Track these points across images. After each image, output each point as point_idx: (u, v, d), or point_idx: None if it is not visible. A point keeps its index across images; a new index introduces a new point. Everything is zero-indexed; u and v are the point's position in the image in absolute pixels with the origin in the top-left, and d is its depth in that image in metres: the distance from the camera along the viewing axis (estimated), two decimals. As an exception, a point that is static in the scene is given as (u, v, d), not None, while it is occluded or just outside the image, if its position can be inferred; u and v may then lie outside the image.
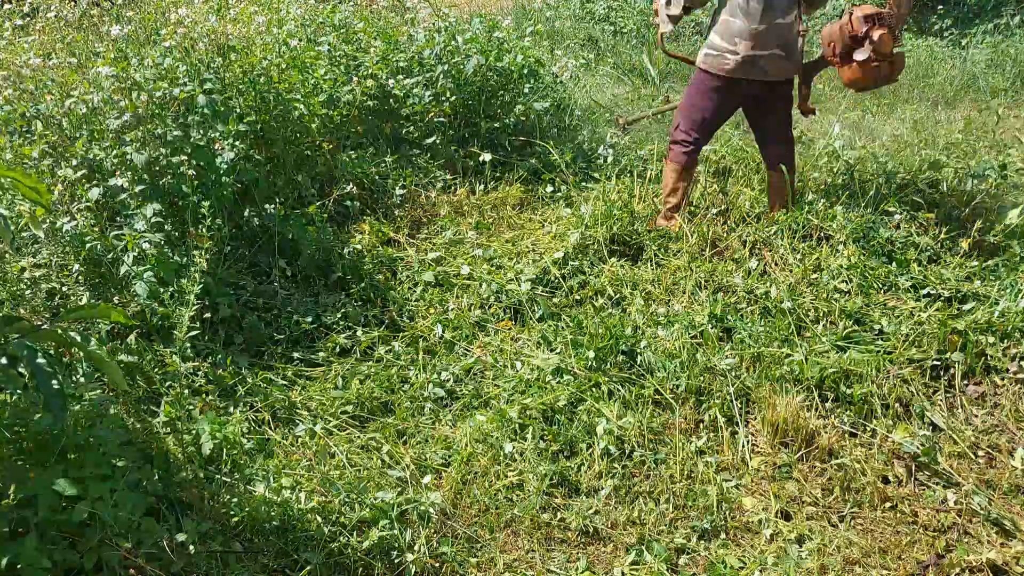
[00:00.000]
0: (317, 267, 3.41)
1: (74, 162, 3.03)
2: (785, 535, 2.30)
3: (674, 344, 2.95)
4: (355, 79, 4.17)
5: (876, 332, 3.04)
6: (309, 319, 3.12)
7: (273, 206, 3.37)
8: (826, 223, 3.66)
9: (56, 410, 1.57)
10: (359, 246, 3.55)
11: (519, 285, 3.33)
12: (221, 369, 2.77)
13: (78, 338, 1.66)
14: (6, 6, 4.26)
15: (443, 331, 3.12)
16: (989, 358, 2.91)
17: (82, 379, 2.39)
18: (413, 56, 4.47)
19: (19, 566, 1.72)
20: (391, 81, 4.31)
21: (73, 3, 4.05)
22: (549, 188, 4.17)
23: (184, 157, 3.02)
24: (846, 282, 3.30)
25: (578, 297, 3.32)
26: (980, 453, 2.61)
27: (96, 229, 2.90)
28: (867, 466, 2.50)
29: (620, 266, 3.51)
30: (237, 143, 3.20)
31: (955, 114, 6.09)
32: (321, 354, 3.01)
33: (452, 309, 3.24)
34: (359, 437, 2.62)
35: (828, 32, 3.50)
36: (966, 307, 3.12)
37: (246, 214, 3.37)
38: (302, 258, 3.38)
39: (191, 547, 1.98)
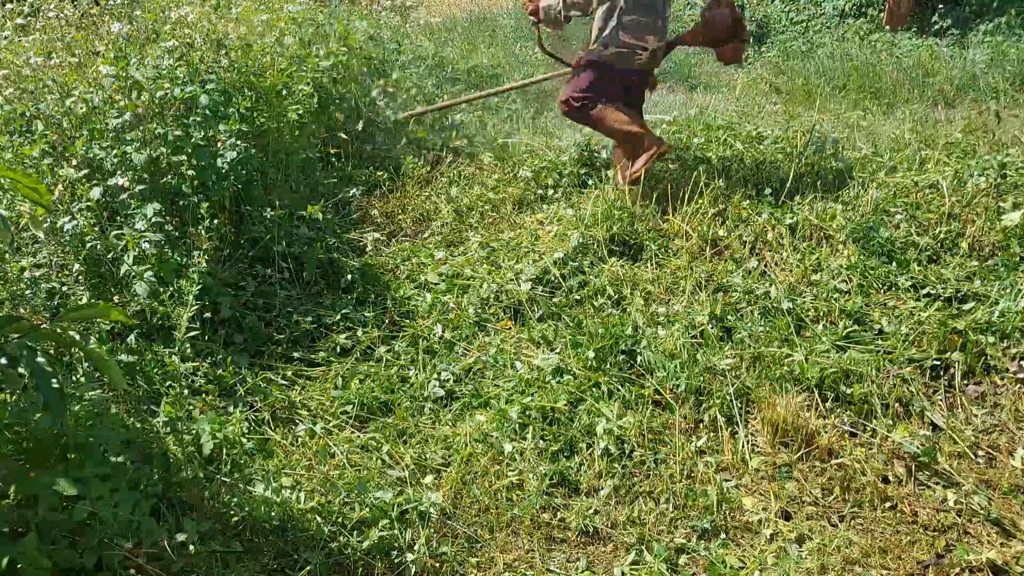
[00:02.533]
0: (324, 275, 3.42)
1: (74, 161, 3.03)
2: (785, 535, 2.30)
3: (674, 344, 2.95)
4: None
5: (876, 332, 3.04)
6: (309, 319, 3.12)
7: (270, 211, 3.35)
8: (826, 223, 3.66)
9: (56, 410, 1.57)
10: (366, 250, 3.55)
11: (519, 285, 3.33)
12: (221, 369, 2.77)
13: (78, 338, 1.65)
14: (7, 6, 4.26)
15: (443, 331, 3.12)
16: (989, 358, 2.91)
17: (82, 379, 2.39)
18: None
19: (19, 566, 1.72)
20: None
21: (73, 3, 4.05)
22: (549, 192, 4.17)
23: (184, 157, 3.02)
24: (846, 282, 3.30)
25: (578, 297, 3.32)
26: (980, 453, 2.61)
27: (96, 229, 2.90)
28: (867, 466, 2.50)
29: (620, 266, 3.51)
30: (238, 142, 3.20)
31: (955, 114, 6.09)
32: (321, 354, 3.01)
33: (452, 309, 3.24)
34: (359, 437, 2.62)
35: (712, 19, 3.88)
36: (966, 307, 3.12)
37: (244, 211, 3.37)
38: (307, 268, 3.37)
39: (191, 547, 1.98)
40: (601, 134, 4.10)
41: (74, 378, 2.39)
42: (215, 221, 3.09)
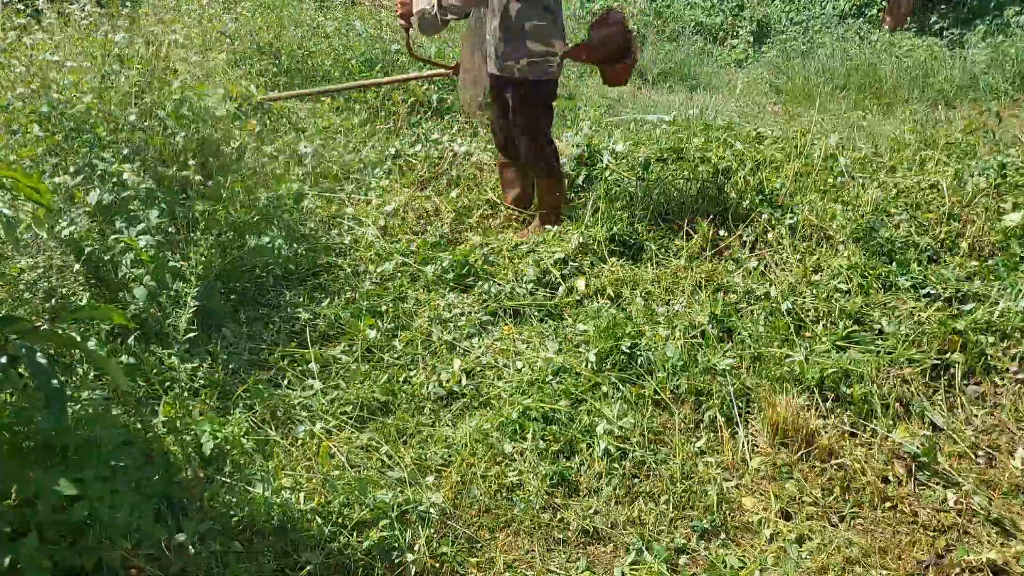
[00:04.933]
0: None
1: (72, 169, 3.02)
2: (785, 535, 2.30)
3: (674, 344, 2.95)
4: None
5: (876, 332, 3.04)
6: (308, 316, 3.12)
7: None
8: (826, 223, 3.67)
9: (56, 409, 1.57)
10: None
11: (519, 286, 3.32)
12: (221, 370, 2.77)
13: (78, 338, 1.65)
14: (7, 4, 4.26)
15: (443, 331, 3.11)
16: (989, 358, 2.91)
17: (82, 380, 2.38)
18: None
19: (19, 566, 1.72)
20: None
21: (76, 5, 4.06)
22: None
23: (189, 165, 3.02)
24: (846, 282, 3.30)
25: (578, 297, 3.32)
26: (980, 453, 2.61)
27: (95, 232, 2.89)
28: (867, 466, 2.50)
29: (620, 266, 3.51)
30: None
31: (955, 114, 6.09)
32: (321, 355, 3.00)
33: (453, 309, 3.24)
34: (359, 438, 2.61)
35: (605, 37, 3.55)
36: (966, 307, 3.12)
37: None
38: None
39: (191, 547, 1.98)
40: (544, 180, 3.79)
41: (74, 379, 2.38)
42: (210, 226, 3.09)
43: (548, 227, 3.77)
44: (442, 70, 4.59)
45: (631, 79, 7.17)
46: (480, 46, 3.83)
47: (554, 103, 3.70)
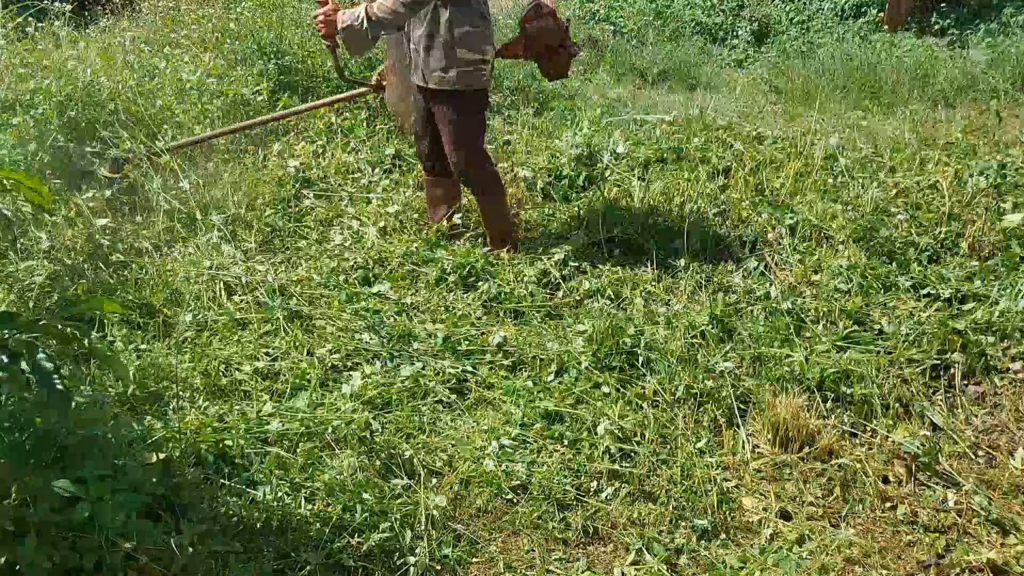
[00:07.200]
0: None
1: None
2: (785, 535, 2.30)
3: (675, 344, 2.95)
4: None
5: (876, 332, 3.04)
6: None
7: None
8: (826, 223, 3.67)
9: (57, 407, 1.56)
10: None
11: (520, 286, 3.32)
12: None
13: (79, 335, 1.65)
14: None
15: (444, 331, 3.11)
16: (989, 358, 2.91)
17: (86, 377, 2.38)
18: None
19: (19, 566, 1.72)
20: None
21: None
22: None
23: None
24: (846, 282, 3.30)
25: (578, 297, 3.32)
26: (980, 453, 2.61)
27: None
28: (867, 466, 2.50)
29: (620, 266, 3.51)
30: None
31: (955, 114, 6.09)
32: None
33: (453, 308, 3.23)
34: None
35: (540, 28, 3.41)
36: (966, 307, 3.13)
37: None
38: None
39: (190, 548, 1.98)
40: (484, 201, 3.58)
41: (82, 379, 2.37)
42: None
43: (502, 253, 3.56)
44: (364, 89, 4.16)
45: (633, 81, 7.18)
46: (402, 57, 3.47)
47: (486, 112, 3.49)
